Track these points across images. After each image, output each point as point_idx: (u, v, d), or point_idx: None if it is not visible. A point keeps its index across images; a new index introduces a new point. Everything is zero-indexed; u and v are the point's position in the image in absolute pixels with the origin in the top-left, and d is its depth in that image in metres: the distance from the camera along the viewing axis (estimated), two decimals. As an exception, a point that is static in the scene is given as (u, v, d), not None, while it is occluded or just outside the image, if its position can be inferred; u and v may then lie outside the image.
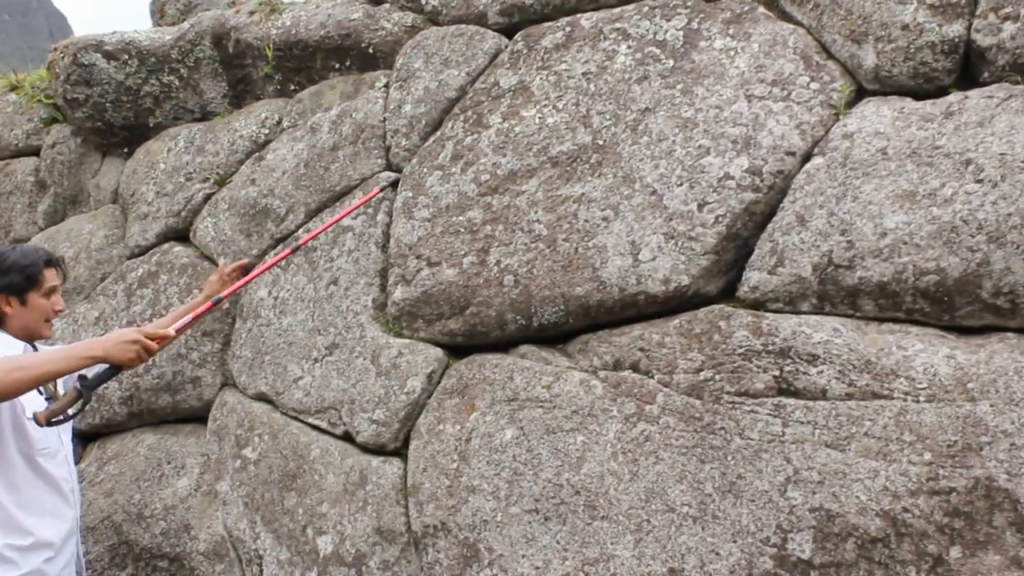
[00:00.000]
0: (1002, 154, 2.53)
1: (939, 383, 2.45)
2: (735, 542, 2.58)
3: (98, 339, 2.79)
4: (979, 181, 2.53)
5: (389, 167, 3.73)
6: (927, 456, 2.41)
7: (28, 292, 3.24)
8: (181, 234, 4.40)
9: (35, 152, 5.29)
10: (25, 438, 3.03)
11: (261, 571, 3.55)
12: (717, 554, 2.59)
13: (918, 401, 2.46)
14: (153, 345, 2.75)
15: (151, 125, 4.70)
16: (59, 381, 3.41)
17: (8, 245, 3.61)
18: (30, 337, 3.27)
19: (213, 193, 4.30)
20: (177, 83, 4.62)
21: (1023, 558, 2.29)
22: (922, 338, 2.54)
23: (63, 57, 4.67)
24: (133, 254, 4.51)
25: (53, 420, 2.61)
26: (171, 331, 2.87)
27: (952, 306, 2.54)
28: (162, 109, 4.68)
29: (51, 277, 3.29)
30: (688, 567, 2.62)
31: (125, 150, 4.82)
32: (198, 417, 4.01)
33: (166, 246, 4.40)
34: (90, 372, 2.69)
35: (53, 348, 2.99)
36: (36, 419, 2.61)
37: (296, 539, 3.45)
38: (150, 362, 3.78)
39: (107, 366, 2.71)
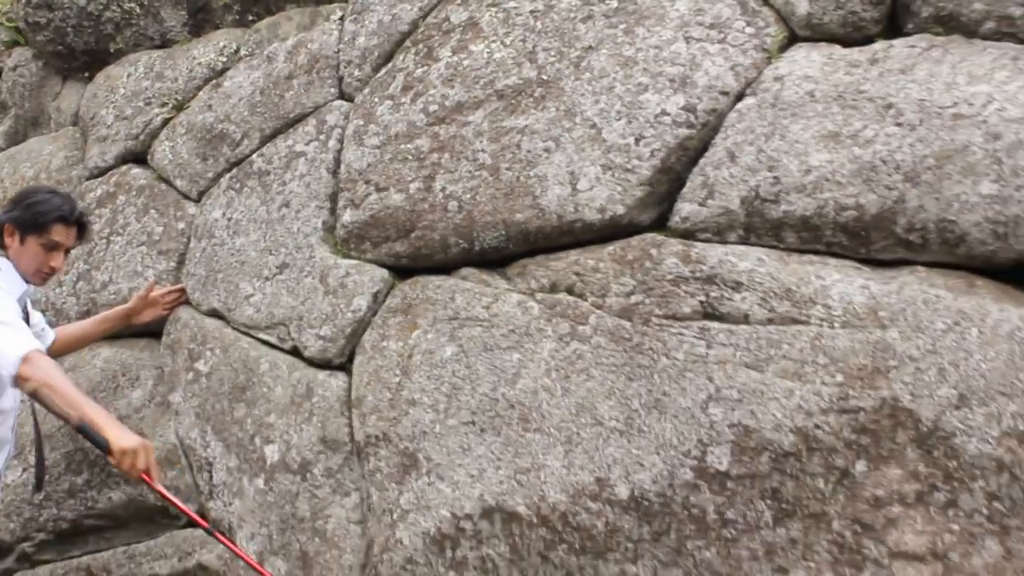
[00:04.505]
0: (921, 100, 2.50)
1: (853, 311, 2.44)
2: (658, 454, 2.56)
3: (123, 431, 2.71)
4: (899, 124, 2.51)
5: (342, 96, 3.62)
6: (839, 378, 2.40)
7: (29, 234, 3.07)
8: (139, 157, 4.23)
9: (-4, 74, 5.08)
10: None
11: (211, 477, 3.47)
12: (641, 465, 2.57)
13: (833, 327, 2.45)
14: (131, 471, 2.67)
15: (112, 51, 4.51)
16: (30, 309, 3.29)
17: (54, 188, 3.47)
18: (25, 277, 3.12)
19: (171, 118, 4.15)
20: (138, 10, 4.42)
21: (921, 472, 2.31)
22: (839, 269, 2.53)
23: (25, -20, 4.46)
24: (92, 175, 4.35)
25: None
26: (157, 486, 2.78)
27: (868, 240, 2.52)
28: (123, 35, 4.48)
29: (59, 233, 3.10)
30: (614, 477, 2.60)
31: (86, 74, 4.63)
32: (152, 332, 3.89)
33: (124, 168, 4.24)
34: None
35: (90, 403, 2.81)
36: None
37: (244, 447, 3.38)
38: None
39: (107, 445, 2.66)
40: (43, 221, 3.05)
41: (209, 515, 3.45)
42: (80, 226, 3.17)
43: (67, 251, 3.18)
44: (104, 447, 2.66)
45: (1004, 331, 2.30)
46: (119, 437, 2.64)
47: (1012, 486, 2.24)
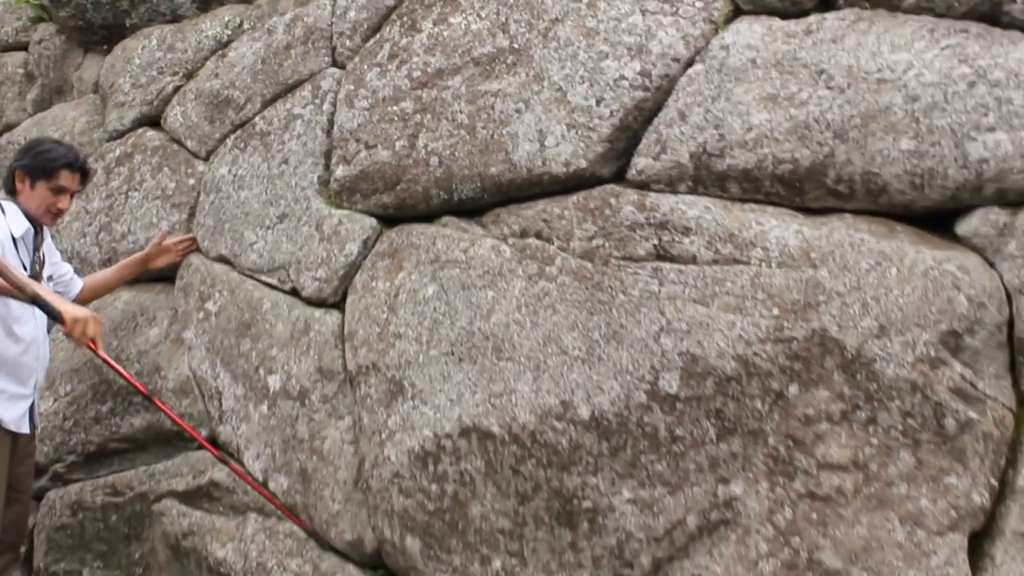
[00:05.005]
0: (850, 66, 2.47)
1: (788, 252, 2.41)
2: (616, 380, 2.53)
3: (72, 305, 2.80)
4: (830, 88, 2.47)
5: (334, 64, 3.53)
6: (775, 311, 2.38)
7: (38, 179, 3.07)
8: (154, 120, 4.12)
9: (24, 47, 4.93)
10: (5, 304, 2.89)
11: (220, 405, 3.42)
12: (601, 389, 2.54)
13: (770, 267, 2.42)
14: (81, 338, 2.74)
15: (128, 25, 4.38)
16: (46, 256, 3.24)
17: (58, 140, 3.43)
18: (31, 219, 3.11)
19: (181, 85, 4.04)
20: (151, -12, 4.30)
21: (846, 393, 2.31)
22: (776, 216, 2.49)
23: (47, -39, 4.31)
24: (111, 137, 4.23)
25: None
26: (101, 353, 2.91)
27: (802, 190, 2.49)
28: (137, 11, 4.35)
29: (66, 178, 3.11)
30: (576, 399, 2.57)
31: (105, 47, 4.50)
32: (167, 277, 3.81)
33: (140, 131, 4.13)
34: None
35: (38, 284, 2.86)
36: None
37: (250, 378, 3.32)
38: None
39: (59, 314, 2.71)
40: (51, 167, 3.05)
41: (219, 438, 3.40)
42: (83, 172, 3.16)
43: (72, 195, 3.16)
44: (57, 317, 2.67)
45: (919, 270, 2.29)
46: (70, 308, 2.69)
47: (924, 405, 2.24)
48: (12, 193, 3.12)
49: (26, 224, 3.05)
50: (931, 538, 2.21)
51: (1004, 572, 2.17)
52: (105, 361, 2.95)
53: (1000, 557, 2.19)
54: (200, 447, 3.40)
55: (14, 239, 3.00)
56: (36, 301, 2.68)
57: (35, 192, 3.05)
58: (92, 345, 2.77)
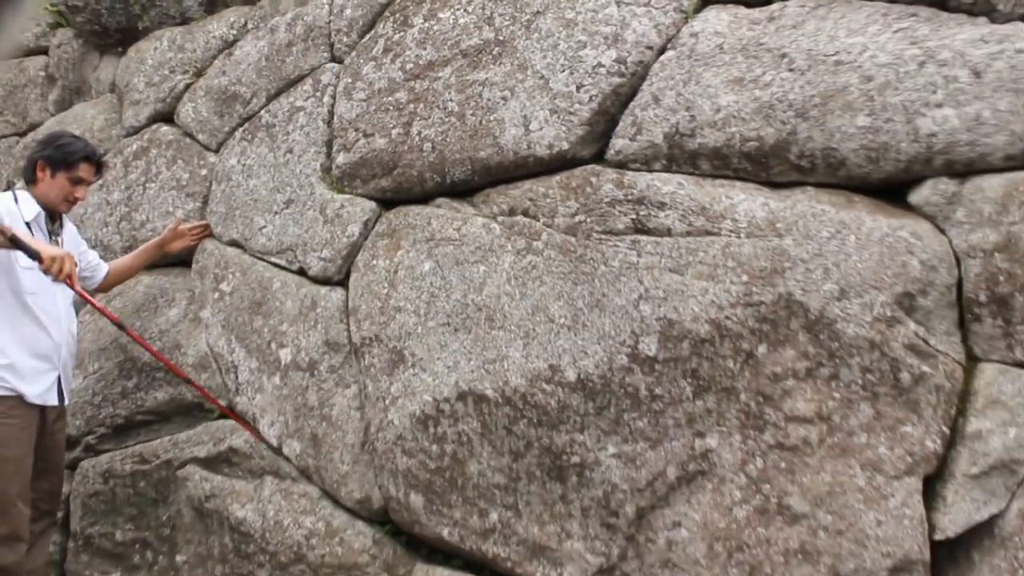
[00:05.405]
0: (809, 49, 2.46)
1: (756, 223, 2.42)
2: (599, 344, 2.54)
3: (48, 246, 2.81)
4: (791, 70, 2.46)
5: (333, 59, 3.51)
6: (744, 278, 2.39)
7: (59, 170, 3.08)
8: (167, 116, 4.10)
9: (44, 51, 4.88)
10: (15, 280, 2.89)
11: (237, 377, 3.43)
12: (586, 353, 2.56)
13: (739, 237, 2.43)
14: (59, 275, 2.71)
15: (140, 28, 4.34)
16: (68, 243, 3.24)
17: (75, 133, 3.42)
18: (49, 206, 3.12)
19: (192, 83, 4.01)
20: (161, -7, 4.26)
21: (810, 352, 2.32)
22: (744, 190, 2.50)
23: (63, -32, 4.27)
24: (128, 133, 4.21)
25: None
26: (77, 287, 2.89)
27: (768, 166, 2.49)
28: (149, 15, 4.32)
29: (84, 170, 3.14)
30: (563, 363, 2.59)
31: (119, 49, 4.46)
32: (183, 261, 3.82)
33: (155, 126, 4.11)
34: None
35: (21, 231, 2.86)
36: None
37: (263, 352, 3.34)
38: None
39: (37, 253, 2.70)
40: (72, 160, 3.07)
41: (236, 408, 3.42)
42: (99, 164, 3.19)
43: (88, 184, 3.18)
44: (35, 255, 2.71)
45: (876, 237, 2.30)
46: (46, 248, 2.74)
47: (881, 361, 2.26)
48: (31, 182, 3.12)
49: (37, 209, 3.07)
50: (889, 482, 2.24)
51: (955, 511, 2.21)
52: (79, 294, 2.99)
53: (951, 498, 2.22)
54: (221, 416, 3.43)
55: (27, 224, 3.02)
56: (15, 242, 2.70)
57: (55, 181, 3.07)
58: (69, 280, 2.79)
